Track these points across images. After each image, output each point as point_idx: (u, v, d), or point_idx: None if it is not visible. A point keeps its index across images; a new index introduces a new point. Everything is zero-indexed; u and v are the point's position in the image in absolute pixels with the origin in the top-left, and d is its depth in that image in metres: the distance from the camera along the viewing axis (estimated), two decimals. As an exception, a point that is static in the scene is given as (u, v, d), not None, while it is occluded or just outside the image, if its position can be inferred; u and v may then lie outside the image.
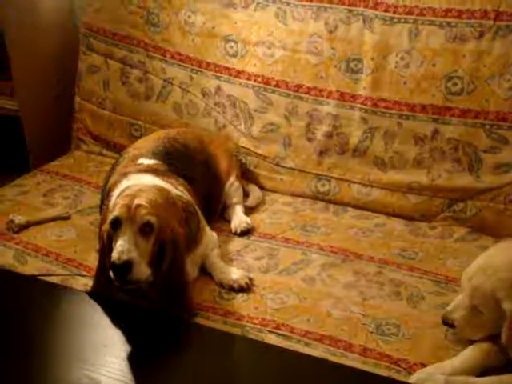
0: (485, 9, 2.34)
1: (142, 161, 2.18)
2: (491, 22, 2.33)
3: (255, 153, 2.69)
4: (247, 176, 2.69)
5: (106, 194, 2.19)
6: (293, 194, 2.65)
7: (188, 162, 2.31)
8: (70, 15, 2.97)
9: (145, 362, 1.78)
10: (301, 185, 2.64)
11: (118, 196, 1.98)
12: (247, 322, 1.96)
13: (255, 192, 2.62)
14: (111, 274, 1.83)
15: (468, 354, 1.79)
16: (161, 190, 1.97)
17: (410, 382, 1.75)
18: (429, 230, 2.44)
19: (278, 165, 2.66)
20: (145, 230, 1.83)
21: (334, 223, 2.47)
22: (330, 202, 2.60)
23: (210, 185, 2.13)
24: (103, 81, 2.91)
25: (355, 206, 2.57)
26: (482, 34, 2.34)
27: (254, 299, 2.04)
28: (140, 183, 2.00)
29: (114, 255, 1.81)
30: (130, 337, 1.87)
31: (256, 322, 1.96)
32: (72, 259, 2.22)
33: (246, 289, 2.05)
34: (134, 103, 2.87)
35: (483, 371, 1.76)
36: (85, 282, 2.10)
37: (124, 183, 2.05)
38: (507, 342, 1.72)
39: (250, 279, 2.08)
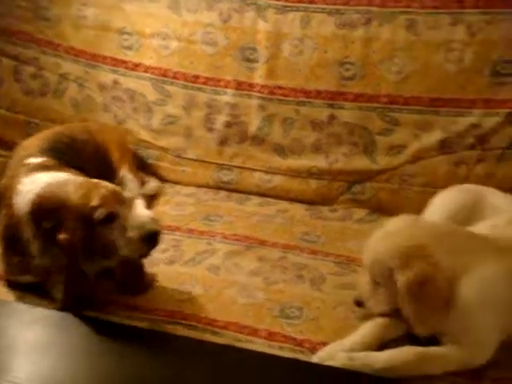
0: None
1: (30, 160, 2.14)
2: (377, 9, 2.39)
3: (156, 145, 2.68)
4: (149, 169, 2.68)
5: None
6: (196, 185, 2.65)
7: (76, 153, 2.29)
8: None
9: (54, 365, 1.75)
10: (203, 175, 2.65)
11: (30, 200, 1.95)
12: (154, 315, 1.95)
13: (151, 182, 2.61)
14: (141, 244, 1.87)
15: (367, 329, 1.84)
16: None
17: (313, 361, 1.79)
18: (329, 213, 2.49)
19: (179, 156, 2.66)
20: None
21: (238, 211, 2.48)
22: (232, 190, 2.62)
23: (101, 173, 2.10)
24: (-4, 78, 2.86)
25: (258, 194, 2.59)
26: (369, 21, 2.40)
27: (159, 292, 2.04)
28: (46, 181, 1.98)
29: (151, 224, 1.89)
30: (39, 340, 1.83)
31: (162, 314, 1.96)
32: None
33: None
34: (29, 101, 2.82)
35: (382, 344, 1.80)
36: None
37: (21, 186, 2.01)
38: (409, 316, 1.76)
39: (153, 276, 2.07)
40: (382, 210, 2.47)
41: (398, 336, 1.84)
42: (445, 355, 1.75)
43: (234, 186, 2.62)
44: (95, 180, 1.98)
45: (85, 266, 1.93)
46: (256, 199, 2.58)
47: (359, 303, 1.90)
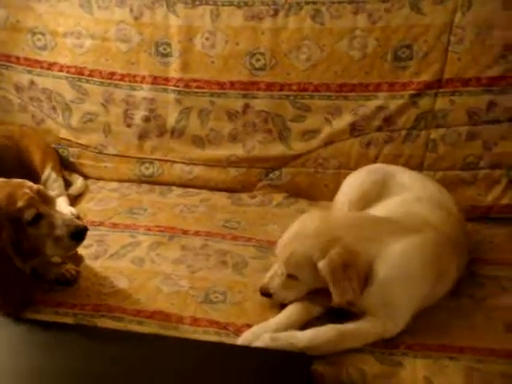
0: None
1: None
2: (283, 0, 2.41)
3: (76, 143, 2.67)
4: (71, 167, 2.67)
5: None
6: (118, 180, 2.65)
7: None
8: None
9: None
10: (125, 170, 2.65)
11: None
12: (80, 309, 1.96)
13: (78, 181, 2.61)
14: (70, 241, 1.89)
15: (290, 311, 1.88)
16: None
17: (237, 343, 1.82)
18: (249, 199, 2.53)
19: (100, 153, 2.66)
20: None
21: (160, 203, 2.50)
22: (155, 183, 2.63)
23: (24, 177, 2.09)
24: None
25: (180, 185, 2.61)
26: (276, 12, 2.42)
27: (84, 287, 2.04)
28: None
29: (77, 221, 1.94)
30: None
31: (88, 308, 1.96)
32: None
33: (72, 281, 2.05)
34: None
35: (304, 324, 1.85)
36: None
37: None
38: (337, 300, 1.81)
39: (77, 271, 2.08)
40: (299, 193, 2.52)
41: (319, 314, 1.89)
42: (363, 329, 1.81)
43: (156, 178, 2.63)
44: (18, 180, 1.98)
45: (20, 265, 1.93)
46: (178, 190, 2.59)
47: (266, 294, 1.93)
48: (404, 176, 2.19)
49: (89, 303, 1.98)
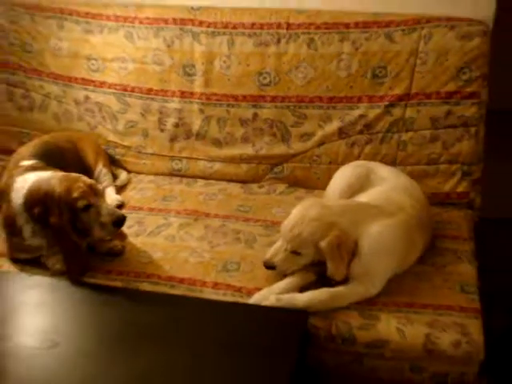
0: (279, 21, 2.41)
1: (23, 163, 2.14)
2: (285, 31, 2.40)
3: (121, 145, 2.66)
4: (117, 163, 2.66)
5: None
6: (154, 174, 2.63)
7: (61, 158, 2.28)
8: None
9: (47, 319, 1.78)
10: (159, 166, 2.63)
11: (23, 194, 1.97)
12: (125, 275, 1.99)
13: (123, 175, 2.60)
14: (112, 227, 1.94)
15: (290, 278, 1.90)
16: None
17: (249, 302, 1.85)
18: (258, 189, 2.51)
19: (140, 152, 2.65)
20: None
21: (187, 192, 2.48)
22: (183, 176, 2.61)
23: (81, 172, 2.11)
24: (-7, 100, 2.81)
25: (202, 178, 2.59)
26: (279, 40, 2.41)
27: (128, 258, 2.07)
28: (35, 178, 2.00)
29: (118, 211, 2.00)
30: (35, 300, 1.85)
31: (131, 274, 1.99)
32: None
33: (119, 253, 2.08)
34: (20, 116, 2.76)
35: (303, 287, 1.87)
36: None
37: (16, 184, 2.02)
38: (332, 272, 1.84)
39: (123, 246, 2.10)
40: (297, 183, 2.50)
41: (313, 280, 1.91)
42: (349, 292, 1.84)
43: (184, 172, 2.61)
44: (76, 174, 2.00)
45: (78, 241, 1.97)
46: (201, 182, 2.57)
47: (270, 267, 1.92)
48: (382, 170, 2.19)
49: (132, 271, 2.01)
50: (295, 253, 1.88)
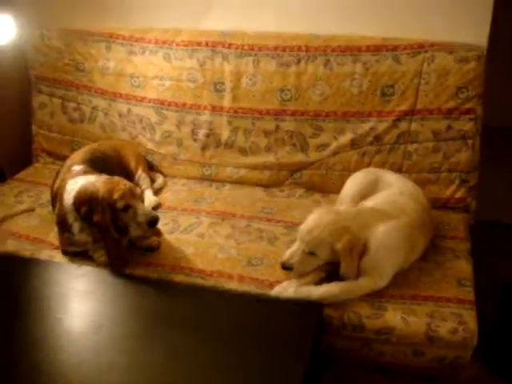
0: (299, 45, 2.42)
1: (74, 168, 2.20)
2: (304, 53, 2.41)
3: (158, 152, 2.69)
4: (154, 169, 2.69)
5: (54, 194, 2.22)
6: (187, 178, 2.65)
7: (106, 163, 2.32)
8: (26, 69, 2.89)
9: (94, 305, 1.82)
10: (192, 171, 2.65)
11: (73, 196, 2.02)
12: (161, 268, 2.03)
13: (159, 179, 2.63)
14: (147, 227, 1.97)
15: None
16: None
17: (271, 294, 1.88)
18: (279, 192, 2.51)
19: (174, 159, 2.67)
20: None
21: (216, 195, 2.50)
22: (213, 180, 2.62)
23: (123, 176, 2.15)
24: (50, 113, 2.84)
25: (230, 182, 2.60)
26: (299, 61, 2.42)
27: (164, 253, 2.10)
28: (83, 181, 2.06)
29: (153, 212, 2.02)
30: (83, 288, 1.90)
31: (167, 267, 2.03)
32: (38, 238, 2.22)
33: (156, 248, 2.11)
34: (72, 126, 2.81)
35: (318, 281, 1.90)
36: (48, 253, 2.12)
37: (68, 186, 2.08)
38: (345, 271, 1.85)
39: (159, 242, 2.13)
40: (314, 188, 2.51)
41: (328, 274, 1.92)
42: (360, 285, 1.86)
43: (214, 177, 2.63)
44: (117, 178, 2.05)
45: (118, 237, 2.01)
46: (229, 186, 2.58)
47: (287, 268, 1.90)
48: (389, 176, 2.20)
49: (168, 264, 2.05)
50: (311, 254, 1.88)
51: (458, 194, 2.35)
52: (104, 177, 2.06)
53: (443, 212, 2.31)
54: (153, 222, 1.98)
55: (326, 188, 2.50)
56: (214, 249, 2.11)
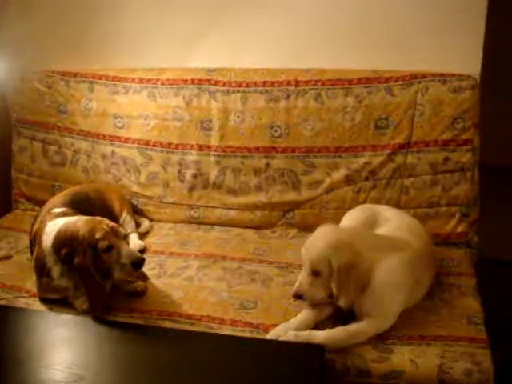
0: (288, 79, 2.38)
1: (55, 210, 2.10)
2: (293, 88, 2.37)
3: (144, 195, 2.60)
4: (139, 213, 2.59)
5: (32, 238, 2.10)
6: (174, 221, 2.56)
7: (89, 206, 2.22)
8: (5, 112, 2.84)
9: (75, 354, 1.69)
10: (179, 214, 2.56)
11: (52, 237, 1.92)
12: (147, 314, 1.90)
13: (145, 222, 2.54)
14: (132, 269, 1.86)
15: (306, 313, 1.81)
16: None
17: (267, 337, 1.76)
18: (271, 234, 2.42)
19: (161, 202, 2.58)
20: None
21: (205, 238, 2.41)
22: (201, 223, 2.53)
23: (108, 218, 2.06)
24: (30, 156, 2.75)
25: (219, 224, 2.51)
26: (288, 96, 2.38)
27: (150, 298, 1.98)
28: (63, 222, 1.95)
29: (138, 253, 1.91)
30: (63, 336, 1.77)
31: (153, 313, 1.91)
32: (15, 285, 2.09)
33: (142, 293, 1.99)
34: (53, 171, 2.72)
35: (317, 323, 1.79)
36: (25, 301, 2.00)
37: (47, 228, 1.97)
38: (337, 291, 1.73)
39: (145, 286, 2.02)
40: (308, 228, 2.34)
41: (328, 316, 1.82)
42: (364, 328, 1.74)
43: (201, 220, 2.54)
44: (100, 218, 1.94)
45: (101, 282, 1.89)
46: (218, 228, 2.49)
47: (299, 296, 1.81)
48: (387, 212, 2.11)
49: (154, 309, 1.93)
50: (315, 274, 1.77)
51: (459, 229, 2.26)
52: (85, 217, 1.96)
53: (445, 248, 2.22)
54: (138, 263, 1.86)
55: (320, 228, 2.41)
56: (204, 292, 2.00)
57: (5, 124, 2.84)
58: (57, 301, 1.96)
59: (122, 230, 1.97)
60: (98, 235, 1.84)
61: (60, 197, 2.27)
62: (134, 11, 2.64)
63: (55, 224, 1.96)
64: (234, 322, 1.86)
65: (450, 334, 1.74)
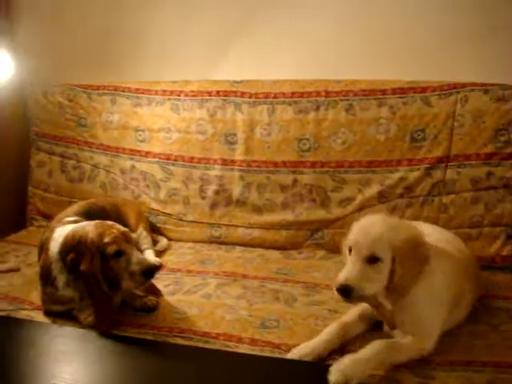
0: (318, 90, 2.30)
1: (66, 219, 1.97)
2: (323, 99, 2.28)
3: (163, 212, 2.49)
4: (157, 231, 2.47)
5: (40, 247, 1.96)
6: (194, 241, 2.43)
7: (103, 217, 2.04)
8: (26, 128, 2.78)
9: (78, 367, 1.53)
10: (199, 233, 2.44)
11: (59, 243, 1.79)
12: (157, 330, 1.73)
13: (163, 241, 2.41)
14: (142, 277, 1.71)
15: (328, 331, 1.61)
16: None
17: (287, 357, 1.57)
18: (297, 254, 2.28)
19: (180, 220, 2.47)
20: None
21: (226, 257, 2.26)
22: (222, 243, 2.40)
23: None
24: (48, 172, 2.69)
25: (241, 244, 2.37)
26: (318, 107, 2.29)
27: (162, 314, 1.81)
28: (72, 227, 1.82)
29: (150, 261, 1.78)
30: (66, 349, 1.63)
31: (164, 329, 1.74)
32: (18, 297, 1.94)
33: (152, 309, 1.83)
34: (71, 186, 2.65)
35: (341, 344, 1.59)
36: (26, 314, 1.85)
37: (55, 234, 1.84)
38: (399, 278, 1.51)
39: (157, 301, 1.85)
40: (337, 250, 2.16)
41: (357, 335, 1.62)
42: (406, 345, 1.52)
43: (223, 239, 2.41)
44: (110, 222, 1.80)
45: (109, 293, 1.74)
46: (240, 248, 2.35)
47: (345, 290, 1.50)
48: (425, 227, 1.89)
49: (165, 326, 1.76)
50: (372, 260, 1.53)
51: (505, 252, 2.08)
52: (95, 221, 1.83)
53: (489, 273, 2.03)
54: (149, 271, 1.71)
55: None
56: (222, 309, 1.83)
57: (23, 140, 2.80)
58: (61, 314, 1.81)
59: (133, 235, 1.83)
60: (106, 239, 1.70)
61: (74, 207, 2.16)
62: (158, 23, 2.62)
63: (64, 230, 1.84)
64: (252, 341, 1.68)
65: (499, 360, 1.52)
